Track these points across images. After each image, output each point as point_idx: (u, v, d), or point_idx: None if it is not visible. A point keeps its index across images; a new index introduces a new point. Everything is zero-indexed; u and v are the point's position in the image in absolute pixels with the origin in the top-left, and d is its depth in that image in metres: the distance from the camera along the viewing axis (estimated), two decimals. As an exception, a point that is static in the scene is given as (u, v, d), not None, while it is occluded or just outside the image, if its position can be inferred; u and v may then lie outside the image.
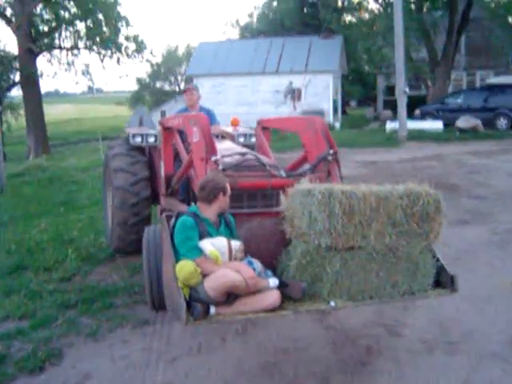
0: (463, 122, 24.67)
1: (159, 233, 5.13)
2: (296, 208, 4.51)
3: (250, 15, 55.93)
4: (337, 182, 5.05)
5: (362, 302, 4.48)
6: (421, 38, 31.22)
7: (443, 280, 4.72)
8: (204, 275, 4.32)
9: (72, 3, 31.72)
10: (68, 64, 33.85)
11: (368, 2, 38.13)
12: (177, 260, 4.38)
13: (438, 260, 4.73)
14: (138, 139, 7.81)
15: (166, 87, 67.56)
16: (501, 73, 34.16)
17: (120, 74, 68.49)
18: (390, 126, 25.81)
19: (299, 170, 5.62)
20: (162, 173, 6.86)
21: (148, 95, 63.18)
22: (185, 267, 4.25)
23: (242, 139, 7.70)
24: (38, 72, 31.13)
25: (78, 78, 43.24)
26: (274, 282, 4.42)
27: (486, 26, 33.58)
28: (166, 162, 6.82)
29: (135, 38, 34.77)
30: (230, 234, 4.79)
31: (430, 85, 32.35)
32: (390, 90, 39.14)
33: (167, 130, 6.81)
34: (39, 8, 30.95)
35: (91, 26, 32.03)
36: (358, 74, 44.43)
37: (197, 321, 4.14)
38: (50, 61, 33.39)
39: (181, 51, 68.20)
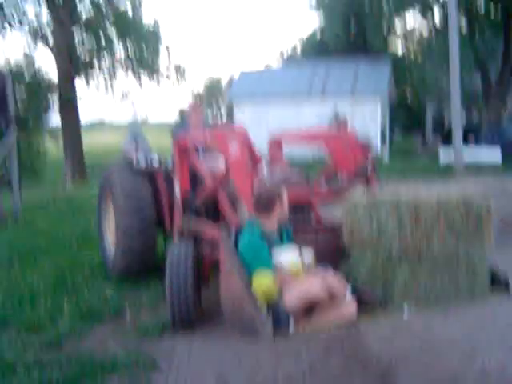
0: None
1: (185, 250, 5.44)
2: (360, 218, 4.84)
3: (294, 48, 54.61)
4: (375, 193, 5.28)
5: (431, 307, 4.63)
6: (474, 64, 29.92)
7: (496, 283, 5.02)
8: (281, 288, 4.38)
9: (112, 29, 30.98)
10: (106, 88, 33.14)
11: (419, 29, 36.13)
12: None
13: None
14: (143, 164, 7.70)
15: (209, 116, 67.53)
16: None
17: (161, 100, 68.45)
18: (444, 156, 24.76)
19: (339, 185, 5.91)
20: (178, 193, 6.81)
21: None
22: (264, 281, 4.34)
23: None
24: (77, 97, 30.39)
25: (116, 102, 42.57)
26: (348, 288, 4.57)
27: None
28: (182, 182, 6.78)
29: (177, 68, 34.04)
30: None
31: (483, 113, 31.43)
32: (440, 119, 39.13)
33: (182, 147, 6.78)
34: (79, 32, 30.65)
35: (130, 48, 31.27)
36: (403, 101, 42.67)
37: (284, 336, 4.12)
38: (87, 82, 32.60)
39: (223, 83, 68.13)
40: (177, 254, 5.47)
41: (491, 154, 24.10)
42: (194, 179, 6.95)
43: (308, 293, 4.37)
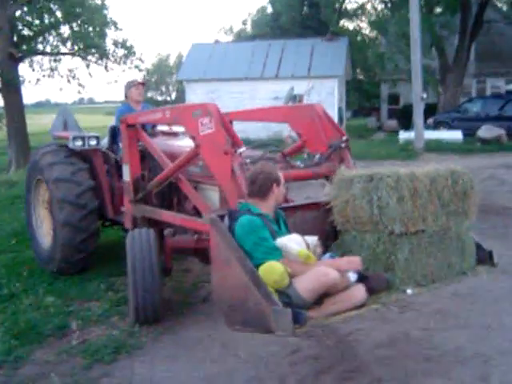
0: (485, 131, 23.38)
1: (146, 238, 5.42)
2: (356, 195, 4.51)
3: (244, 22, 53.93)
4: (352, 169, 5.11)
5: (429, 286, 4.50)
6: (431, 42, 29.64)
7: (481, 257, 4.90)
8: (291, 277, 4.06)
9: (57, 7, 29.69)
10: (51, 70, 31.90)
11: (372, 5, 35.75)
12: None
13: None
14: (79, 143, 7.14)
15: (158, 97, 66.76)
16: None
17: (108, 81, 67.42)
18: (404, 136, 24.59)
19: (314, 160, 5.45)
20: (127, 176, 6.46)
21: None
22: (274, 269, 3.97)
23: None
24: (20, 79, 29.12)
25: (62, 85, 41.35)
26: (353, 276, 4.27)
27: (496, 30, 32.87)
28: (132, 164, 6.43)
29: (124, 43, 32.95)
30: (287, 230, 4.59)
31: (441, 92, 31.07)
32: (394, 98, 38.82)
33: (130, 127, 6.41)
34: (22, 12, 29.13)
35: (76, 29, 30.00)
36: (355, 82, 42.50)
37: (301, 328, 3.77)
38: (31, 66, 31.35)
39: (172, 60, 67.18)
40: (138, 243, 5.37)
41: (452, 136, 23.90)
42: (142, 161, 6.64)
43: (326, 281, 4.03)
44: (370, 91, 46.34)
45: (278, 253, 4.15)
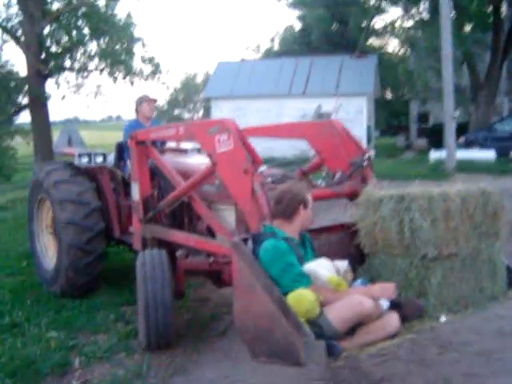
0: None
1: (159, 260, 5.26)
2: (385, 216, 4.31)
3: (272, 40, 53.97)
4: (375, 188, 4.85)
5: (462, 312, 4.34)
6: (462, 59, 29.19)
7: (510, 280, 4.73)
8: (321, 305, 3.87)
9: (84, 23, 29.96)
10: (77, 86, 32.07)
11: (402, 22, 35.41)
12: None
13: None
14: (85, 160, 6.93)
15: (185, 114, 67.17)
16: None
17: (135, 98, 67.85)
18: (434, 155, 24.12)
19: (335, 179, 5.31)
20: (137, 195, 6.30)
21: (166, 122, 62.95)
22: (305, 297, 3.76)
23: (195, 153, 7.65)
24: (47, 95, 29.35)
25: (89, 101, 41.66)
26: (385, 303, 4.04)
27: None
28: (141, 182, 6.29)
29: (151, 60, 33.07)
30: (314, 254, 4.47)
31: (472, 111, 30.57)
32: (424, 117, 38.79)
33: (140, 144, 6.27)
34: (51, 28, 29.38)
35: (103, 47, 30.19)
36: (383, 101, 42.27)
37: (335, 362, 3.62)
38: (57, 83, 31.52)
39: (199, 79, 67.72)
40: (150, 265, 5.23)
41: (484, 156, 23.33)
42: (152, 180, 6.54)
43: (361, 311, 3.84)
44: (398, 110, 46.03)
45: (306, 280, 4.00)
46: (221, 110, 31.05)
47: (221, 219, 5.49)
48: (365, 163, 5.22)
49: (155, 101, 7.65)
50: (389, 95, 48.24)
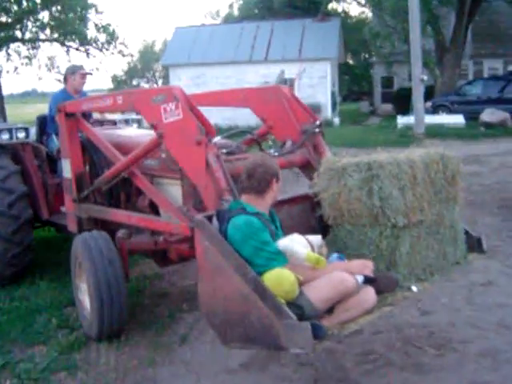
0: (489, 115, 22.75)
1: (104, 240, 5.03)
2: (351, 185, 4.19)
3: (231, 5, 53.37)
4: (326, 156, 4.89)
5: (429, 280, 4.29)
6: (426, 20, 28.57)
7: (469, 244, 4.76)
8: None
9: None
10: (29, 58, 31.27)
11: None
12: None
13: None
14: (6, 136, 6.53)
15: (143, 84, 66.27)
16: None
17: (90, 68, 66.97)
18: (402, 121, 24.04)
19: (286, 148, 5.13)
20: (69, 173, 5.94)
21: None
22: (283, 278, 3.59)
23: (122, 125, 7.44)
24: None
25: (41, 73, 40.65)
26: (360, 278, 3.90)
27: (494, 9, 32.77)
28: (73, 159, 5.90)
29: (106, 28, 32.28)
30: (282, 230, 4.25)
31: (437, 74, 30.39)
32: (388, 81, 38.68)
33: (70, 117, 5.87)
34: None
35: (56, 15, 29.30)
36: (344, 66, 42.12)
37: (320, 343, 3.45)
38: (8, 54, 30.73)
39: (158, 47, 66.76)
40: (96, 249, 4.96)
41: (454, 121, 23.39)
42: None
43: (344, 289, 3.72)
44: (360, 75, 46.01)
45: (282, 258, 3.81)
46: (179, 79, 30.32)
47: (165, 195, 5.15)
48: (316, 130, 5.10)
49: (90, 74, 7.31)
50: (350, 60, 48.13)
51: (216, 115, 25.61)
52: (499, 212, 9.32)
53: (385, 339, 5.03)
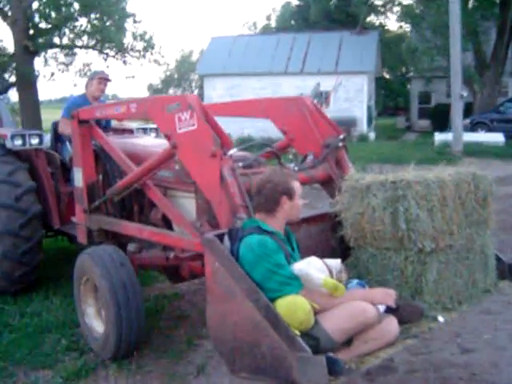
0: None
1: (118, 255, 4.83)
2: (374, 205, 3.97)
3: (269, 16, 53.37)
4: (350, 173, 4.66)
5: (457, 310, 4.03)
6: (468, 39, 28.43)
7: (500, 271, 4.49)
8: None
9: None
10: (65, 64, 31.62)
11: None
12: None
13: None
14: (19, 142, 6.38)
15: (179, 93, 66.77)
16: None
17: (127, 75, 67.68)
18: (440, 137, 23.45)
19: (307, 162, 4.90)
20: (80, 182, 5.79)
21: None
22: (299, 306, 3.34)
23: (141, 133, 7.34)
24: (35, 73, 28.87)
25: (77, 79, 41.11)
26: (382, 307, 3.64)
27: None
28: (85, 167, 5.76)
29: (142, 36, 32.46)
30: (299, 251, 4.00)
31: (477, 91, 29.81)
32: (425, 97, 38.31)
33: (83, 124, 5.70)
34: (39, 3, 28.88)
35: (94, 22, 29.58)
36: (381, 80, 41.93)
37: (336, 380, 3.11)
38: (45, 60, 31.06)
39: (195, 57, 67.36)
40: (112, 265, 4.72)
41: (493, 139, 22.82)
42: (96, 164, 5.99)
43: (365, 320, 3.45)
44: (396, 90, 45.59)
45: (297, 283, 3.56)
46: (214, 88, 30.33)
47: (178, 208, 4.94)
48: (340, 144, 4.90)
49: (108, 80, 7.02)
50: (386, 75, 47.82)
51: (248, 126, 26.12)
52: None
53: (421, 380, 4.60)
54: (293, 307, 3.35)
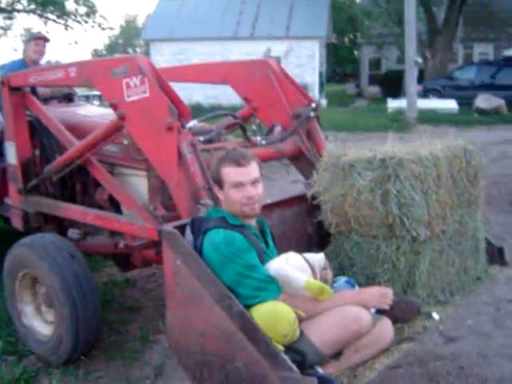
0: (484, 101, 22.35)
1: (66, 245, 4.29)
2: (356, 188, 3.49)
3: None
4: (323, 146, 4.32)
5: (449, 302, 3.67)
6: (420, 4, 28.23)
7: (489, 254, 4.23)
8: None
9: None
10: (3, 29, 30.61)
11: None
12: None
13: None
14: None
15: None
16: (503, 46, 32.27)
17: (68, 41, 65.68)
18: (392, 104, 23.35)
19: (274, 134, 4.43)
20: (13, 158, 5.25)
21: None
22: (282, 316, 2.82)
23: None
24: None
25: (17, 45, 39.97)
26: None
27: None
28: (19, 142, 5.20)
29: (85, 0, 31.68)
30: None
31: (428, 58, 29.79)
32: (375, 63, 38.70)
33: (16, 91, 5.14)
34: None
35: None
36: (330, 46, 42.00)
37: None
38: None
39: (141, 21, 66.35)
40: (61, 257, 4.15)
41: (447, 106, 22.88)
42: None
43: (358, 329, 2.97)
44: (345, 56, 45.65)
45: (274, 287, 3.02)
46: (161, 54, 29.50)
47: (128, 188, 4.43)
48: (311, 115, 4.46)
49: (46, 40, 6.37)
50: (335, 40, 48.01)
51: (198, 93, 25.53)
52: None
53: (407, 377, 4.17)
54: (274, 317, 2.83)
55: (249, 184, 3.07)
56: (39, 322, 4.45)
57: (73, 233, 4.74)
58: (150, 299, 5.61)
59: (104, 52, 66.33)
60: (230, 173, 3.10)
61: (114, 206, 4.63)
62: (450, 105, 22.88)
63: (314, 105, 4.49)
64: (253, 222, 3.26)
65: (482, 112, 21.73)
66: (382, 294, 3.17)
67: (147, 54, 32.78)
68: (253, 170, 3.10)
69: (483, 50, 34.85)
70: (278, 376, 2.61)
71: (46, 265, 4.12)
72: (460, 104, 22.80)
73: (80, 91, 6.90)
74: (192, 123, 3.75)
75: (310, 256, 3.25)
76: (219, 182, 3.16)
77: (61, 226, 5.15)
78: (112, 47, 66.12)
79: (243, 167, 3.06)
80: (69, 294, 4.05)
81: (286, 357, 2.68)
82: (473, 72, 25.95)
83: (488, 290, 5.38)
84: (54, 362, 4.29)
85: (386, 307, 3.13)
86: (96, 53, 64.92)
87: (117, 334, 4.86)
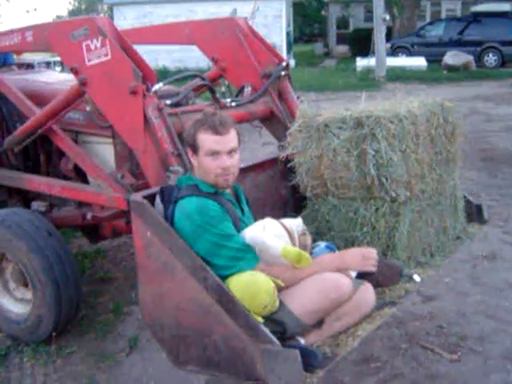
0: (452, 58, 22.42)
1: (44, 224, 4.10)
2: (333, 149, 3.42)
3: None
4: (296, 106, 4.17)
5: (429, 263, 3.63)
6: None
7: (468, 212, 4.23)
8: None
9: None
10: None
11: None
12: None
13: None
14: None
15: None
16: (470, 3, 31.95)
17: (27, 9, 64.91)
18: (361, 63, 23.22)
19: (244, 95, 4.32)
20: None
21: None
22: (260, 287, 2.70)
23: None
24: None
25: None
26: (353, 272, 3.09)
27: None
28: None
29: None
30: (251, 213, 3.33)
31: (396, 15, 30.01)
32: (343, 22, 38.65)
33: None
34: None
35: None
36: (296, 6, 41.59)
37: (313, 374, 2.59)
38: None
39: None
40: (37, 233, 3.98)
41: (415, 63, 22.94)
42: None
43: (339, 297, 2.86)
44: (312, 15, 45.33)
45: (251, 255, 2.89)
46: (124, 18, 28.84)
47: (93, 157, 4.25)
48: (282, 74, 4.36)
49: None
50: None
51: (164, 57, 25.13)
52: (484, 166, 8.71)
53: (385, 338, 4.12)
54: (252, 287, 2.71)
55: (225, 154, 2.91)
56: (10, 300, 4.28)
57: (38, 205, 4.56)
58: (121, 270, 5.49)
59: (67, 18, 65.48)
60: (206, 139, 2.93)
61: (81, 176, 4.44)
62: (419, 62, 22.90)
63: (284, 64, 4.37)
64: (227, 189, 3.11)
65: (450, 68, 21.78)
66: (365, 256, 3.05)
67: (111, 18, 32.09)
68: (231, 138, 2.94)
69: (450, 7, 34.81)
70: (259, 349, 2.53)
71: (22, 244, 3.94)
72: (429, 61, 22.81)
73: (40, 57, 6.67)
74: (158, 86, 3.62)
75: (288, 222, 3.12)
76: (194, 147, 3.00)
77: (25, 198, 4.95)
78: (75, 13, 65.09)
79: (221, 135, 2.89)
80: (51, 274, 3.90)
81: (265, 329, 2.59)
82: (441, 29, 25.94)
83: (465, 247, 5.43)
84: (34, 340, 4.14)
85: (372, 269, 3.01)
86: (59, 19, 64.00)
87: (88, 308, 4.71)
